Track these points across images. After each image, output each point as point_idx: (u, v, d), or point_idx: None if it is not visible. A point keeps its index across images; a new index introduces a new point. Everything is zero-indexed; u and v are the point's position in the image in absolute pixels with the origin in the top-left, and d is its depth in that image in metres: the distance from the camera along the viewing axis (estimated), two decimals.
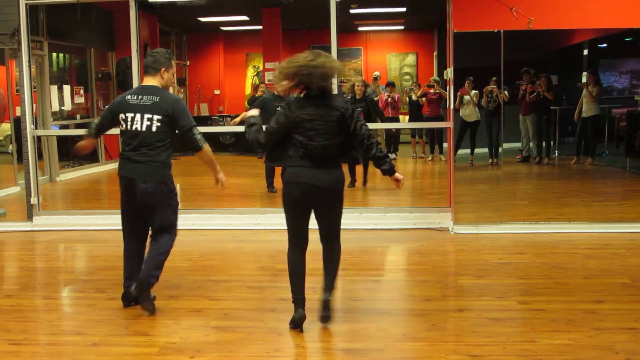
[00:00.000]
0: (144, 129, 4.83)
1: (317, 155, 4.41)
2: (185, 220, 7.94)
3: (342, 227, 4.61)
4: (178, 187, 5.53)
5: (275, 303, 5.15)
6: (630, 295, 5.16)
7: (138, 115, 4.83)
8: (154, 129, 4.83)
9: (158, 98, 4.85)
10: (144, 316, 4.96)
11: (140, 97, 4.87)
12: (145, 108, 4.83)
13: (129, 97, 4.91)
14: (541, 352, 4.07)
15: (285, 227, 4.58)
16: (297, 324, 4.49)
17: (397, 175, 4.62)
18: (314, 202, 4.49)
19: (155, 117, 4.82)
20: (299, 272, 4.54)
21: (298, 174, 4.43)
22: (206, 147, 4.96)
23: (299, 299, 4.52)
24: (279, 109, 5.47)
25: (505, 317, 4.73)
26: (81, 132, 14.91)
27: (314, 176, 4.40)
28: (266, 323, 4.72)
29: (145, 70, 5.00)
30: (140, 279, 4.85)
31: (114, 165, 13.51)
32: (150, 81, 4.96)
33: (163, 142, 4.87)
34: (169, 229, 4.98)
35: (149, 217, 4.96)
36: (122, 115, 4.90)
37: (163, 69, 4.96)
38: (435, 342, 4.30)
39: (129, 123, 4.86)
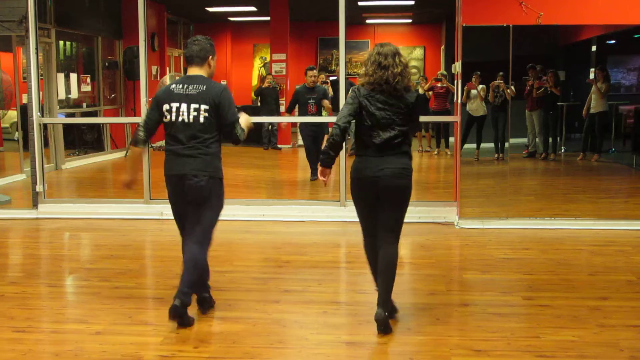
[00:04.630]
0: (191, 120, 4.46)
1: None
2: None
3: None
4: None
5: (280, 295, 5.15)
6: (635, 293, 5.15)
7: (184, 105, 4.47)
8: (201, 119, 4.46)
9: (205, 87, 4.49)
10: (148, 306, 4.98)
11: (185, 86, 4.51)
12: (191, 98, 4.47)
13: (173, 86, 4.54)
14: (545, 348, 4.06)
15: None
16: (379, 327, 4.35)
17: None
18: None
19: (203, 107, 4.45)
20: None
21: None
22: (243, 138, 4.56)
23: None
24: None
25: (510, 313, 4.73)
26: (86, 120, 14.82)
27: None
28: (270, 314, 4.72)
29: (190, 60, 4.61)
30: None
31: (119, 154, 13.61)
32: (197, 71, 4.59)
33: (211, 134, 4.50)
34: (207, 232, 4.61)
35: (192, 215, 4.58)
36: (166, 106, 4.51)
37: (210, 56, 4.65)
38: (439, 336, 4.29)
39: (174, 114, 4.49)
